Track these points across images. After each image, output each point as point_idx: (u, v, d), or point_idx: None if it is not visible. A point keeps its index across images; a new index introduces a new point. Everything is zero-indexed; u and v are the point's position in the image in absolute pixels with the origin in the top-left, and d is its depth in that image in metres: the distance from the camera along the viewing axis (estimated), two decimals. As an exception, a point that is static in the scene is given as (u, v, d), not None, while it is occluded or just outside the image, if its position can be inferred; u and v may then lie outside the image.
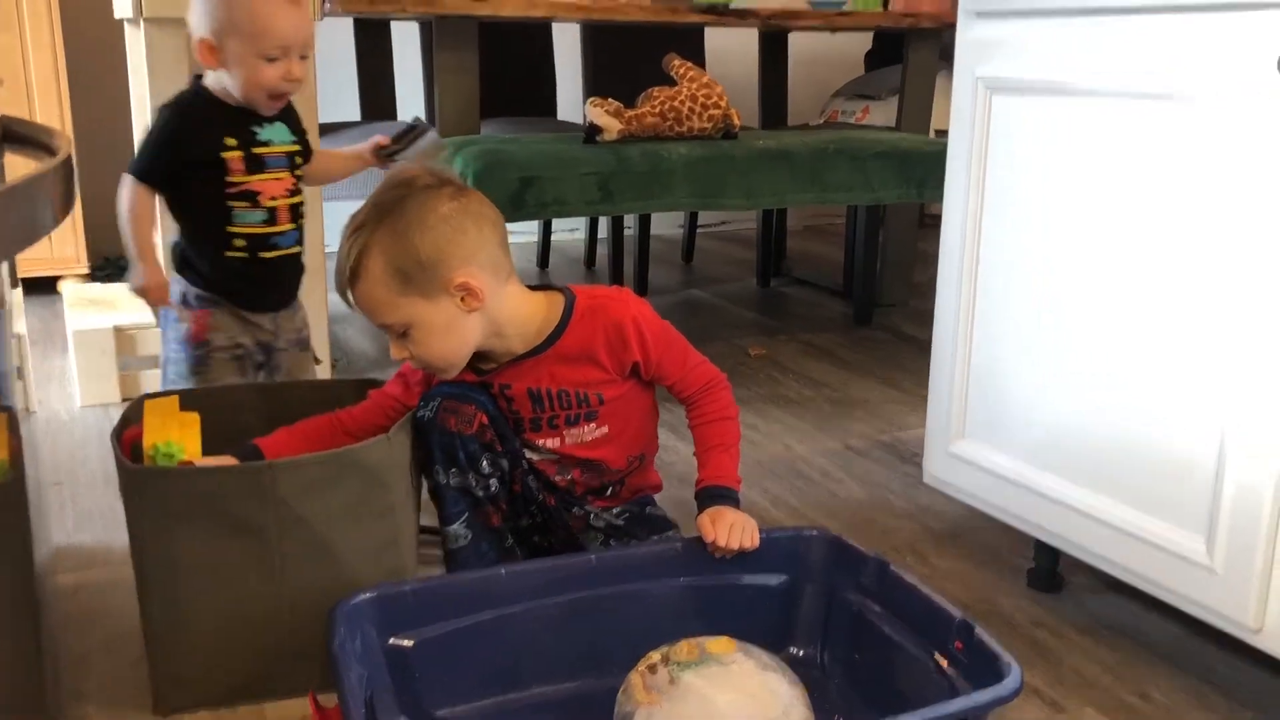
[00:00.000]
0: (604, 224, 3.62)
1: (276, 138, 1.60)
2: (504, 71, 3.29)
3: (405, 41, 3.32)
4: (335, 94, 3.10)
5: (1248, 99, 1.12)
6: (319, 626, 1.17)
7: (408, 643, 1.22)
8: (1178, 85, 1.19)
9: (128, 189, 1.54)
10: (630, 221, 3.44)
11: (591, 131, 2.42)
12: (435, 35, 2.49)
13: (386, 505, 1.30)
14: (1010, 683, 1.06)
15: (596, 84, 3.38)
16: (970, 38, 1.45)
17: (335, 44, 3.18)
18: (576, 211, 2.38)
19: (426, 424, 1.34)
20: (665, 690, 1.10)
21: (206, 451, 1.31)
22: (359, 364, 2.52)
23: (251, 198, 1.57)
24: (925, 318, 3.02)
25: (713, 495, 1.33)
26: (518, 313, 1.33)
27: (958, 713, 1.05)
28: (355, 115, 3.18)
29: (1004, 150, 1.42)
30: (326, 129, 2.65)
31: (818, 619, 1.35)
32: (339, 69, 3.21)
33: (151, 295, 1.57)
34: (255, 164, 1.57)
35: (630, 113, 2.44)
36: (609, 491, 1.43)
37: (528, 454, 1.40)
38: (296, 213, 1.62)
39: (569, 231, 4.24)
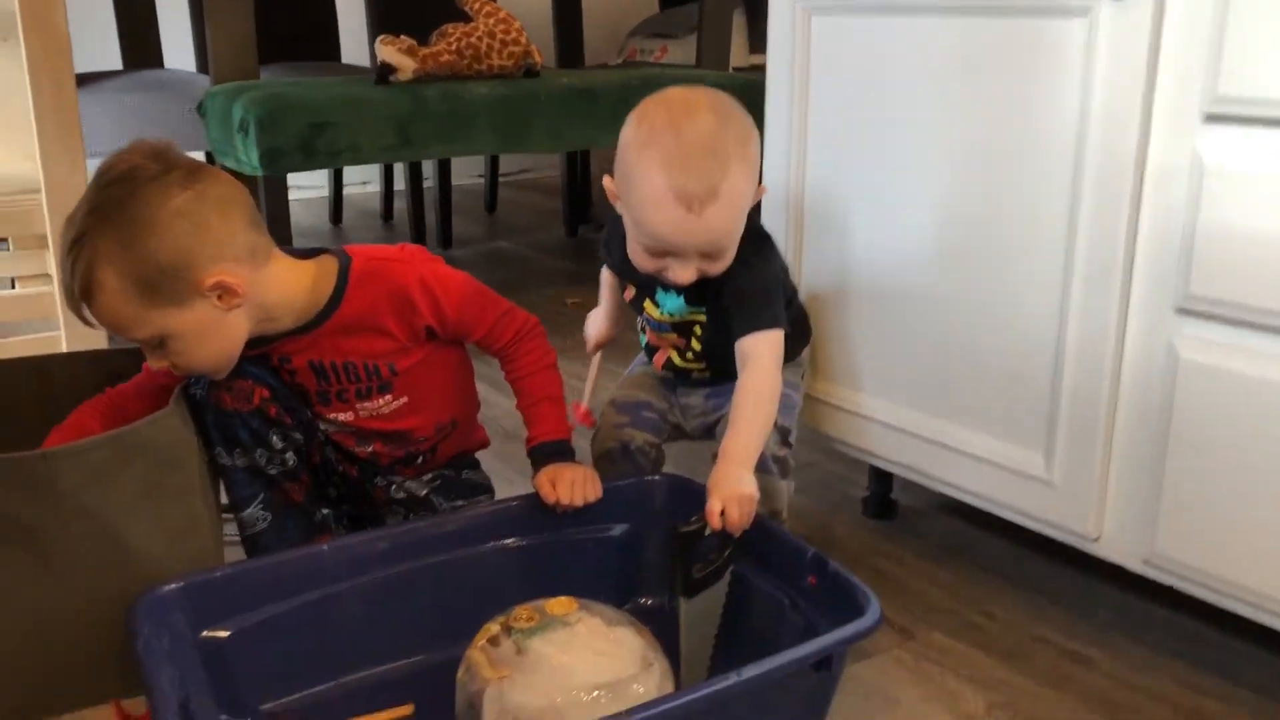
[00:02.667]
0: (400, 174, 3.46)
1: (671, 306, 1.31)
2: (281, 13, 3.07)
3: (168, -19, 3.06)
4: (93, 41, 2.82)
5: (1072, 11, 1.11)
6: (117, 629, 1.04)
7: (223, 634, 1.10)
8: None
9: None
10: (429, 171, 3.30)
11: (384, 72, 2.27)
12: (203, -29, 2.28)
13: (182, 486, 1.15)
14: (871, 615, 1.03)
15: (383, 25, 3.20)
16: (784, -44, 1.41)
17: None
18: (372, 158, 2.24)
19: (200, 403, 1.19)
20: (513, 662, 1.02)
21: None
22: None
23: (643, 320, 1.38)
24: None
25: (546, 453, 1.25)
26: (285, 293, 1.18)
27: (822, 651, 1.01)
28: (116, 63, 2.90)
29: (826, 77, 1.39)
30: (85, 79, 2.40)
31: (664, 566, 1.30)
32: (97, 13, 2.92)
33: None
34: (640, 310, 1.36)
35: (425, 50, 2.30)
36: (419, 460, 1.32)
37: (322, 425, 1.28)
38: (684, 364, 1.36)
39: (361, 185, 4.05)
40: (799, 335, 1.40)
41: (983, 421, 1.28)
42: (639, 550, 1.30)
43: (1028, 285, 1.20)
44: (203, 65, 3.02)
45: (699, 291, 1.26)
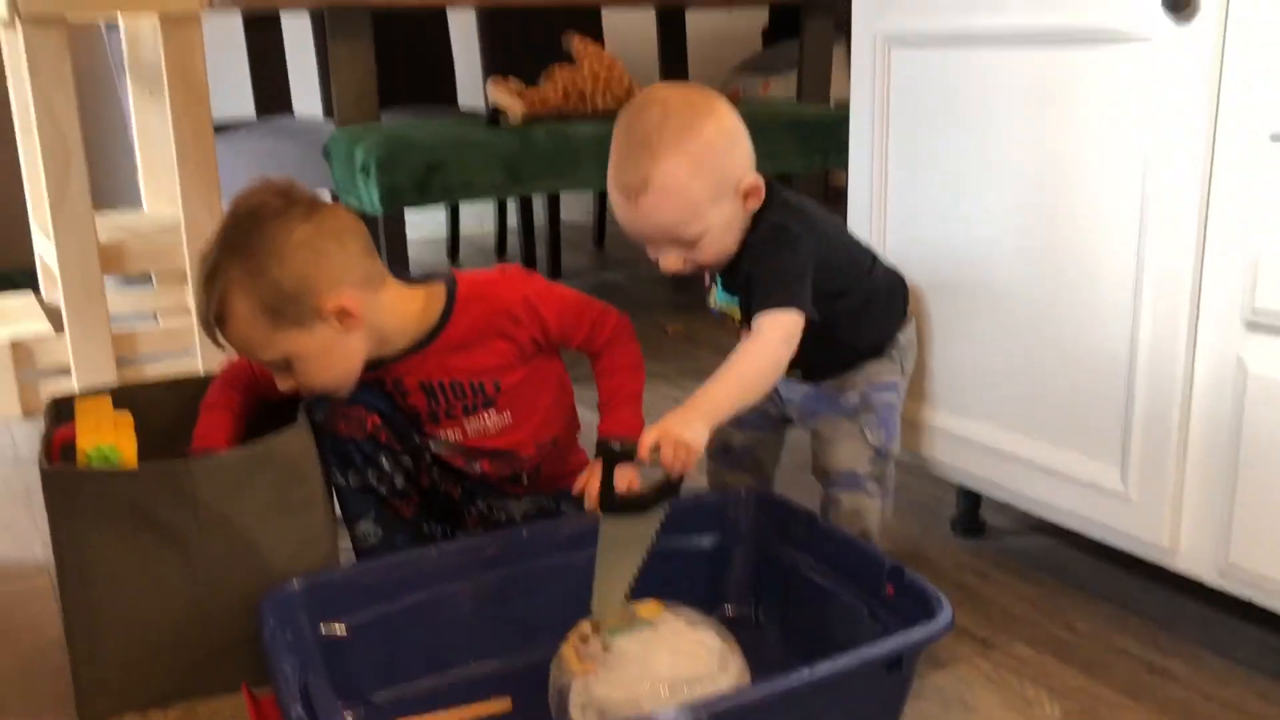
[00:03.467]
0: (513, 212, 3.60)
1: (718, 294, 1.35)
2: (401, 61, 3.24)
3: (297, 34, 3.26)
4: (228, 90, 3.03)
5: (1134, 37, 1.15)
6: (247, 623, 1.15)
7: (340, 629, 1.20)
8: (1070, 29, 1.21)
9: None
10: (539, 209, 3.43)
11: (494, 113, 2.40)
12: (328, 25, 2.45)
13: (306, 498, 1.27)
14: (942, 619, 1.08)
15: (495, 70, 3.35)
16: (866, -6, 1.47)
17: (226, 38, 3.11)
18: (483, 195, 2.36)
19: (318, 428, 1.30)
20: (599, 658, 1.10)
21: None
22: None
23: None
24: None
25: None
26: (398, 316, 1.28)
27: (893, 651, 1.06)
28: (250, 111, 3.11)
29: (906, 104, 1.44)
30: (221, 126, 2.59)
31: (749, 576, 1.36)
32: (231, 64, 3.13)
33: None
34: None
35: (533, 93, 2.42)
36: (524, 480, 1.41)
37: (432, 447, 1.37)
38: None
39: (477, 224, 4.20)
40: (890, 309, 1.39)
41: (1059, 436, 1.32)
42: (725, 561, 1.36)
43: (1098, 301, 1.24)
44: (328, 110, 3.21)
45: (733, 281, 1.30)
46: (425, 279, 1.34)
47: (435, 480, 1.39)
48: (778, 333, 1.20)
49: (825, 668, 1.02)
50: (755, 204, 1.25)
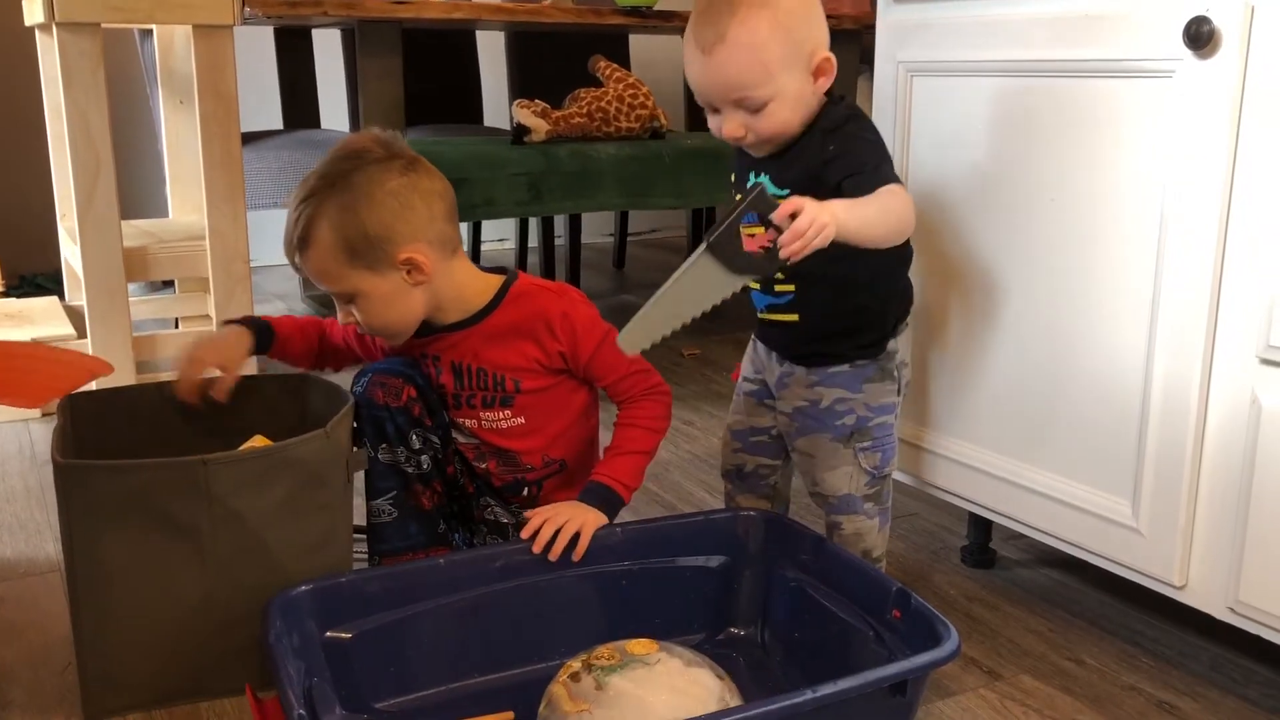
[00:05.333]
0: (534, 232, 3.62)
1: (770, 190, 1.27)
2: (429, 79, 3.28)
3: (327, 48, 3.29)
4: (257, 102, 3.06)
5: (1156, 71, 1.16)
6: (254, 625, 1.15)
7: (346, 635, 1.20)
8: (1091, 62, 1.22)
9: None
10: (561, 229, 3.45)
11: (519, 132, 2.42)
12: (358, 40, 2.47)
13: (323, 502, 1.28)
14: (948, 646, 1.07)
15: (521, 90, 3.39)
16: (890, 22, 1.48)
17: (257, 52, 3.15)
18: (506, 212, 2.38)
19: (359, 399, 1.35)
20: (593, 697, 1.08)
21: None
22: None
23: None
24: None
25: (590, 488, 1.31)
26: (461, 288, 1.34)
27: (897, 675, 1.06)
28: (278, 124, 3.14)
29: (926, 132, 1.45)
30: (249, 137, 2.61)
31: (757, 598, 1.36)
32: (261, 77, 3.17)
33: None
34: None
35: (557, 113, 2.44)
36: (525, 492, 1.41)
37: (454, 434, 1.39)
38: (774, 307, 1.32)
39: (498, 241, 4.23)
40: (900, 295, 1.35)
41: (1071, 467, 1.31)
42: (734, 581, 1.36)
43: (1113, 331, 1.24)
44: (355, 124, 3.24)
45: (781, 174, 1.26)
46: (493, 270, 1.39)
47: (458, 471, 1.40)
48: (903, 191, 1.17)
49: (829, 690, 1.02)
50: (826, 83, 1.23)
